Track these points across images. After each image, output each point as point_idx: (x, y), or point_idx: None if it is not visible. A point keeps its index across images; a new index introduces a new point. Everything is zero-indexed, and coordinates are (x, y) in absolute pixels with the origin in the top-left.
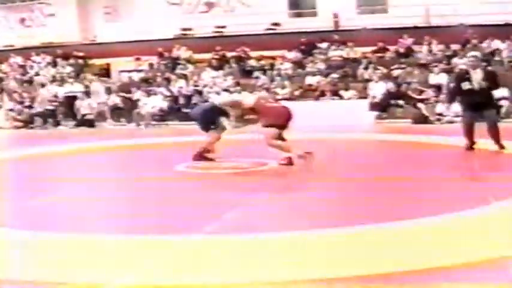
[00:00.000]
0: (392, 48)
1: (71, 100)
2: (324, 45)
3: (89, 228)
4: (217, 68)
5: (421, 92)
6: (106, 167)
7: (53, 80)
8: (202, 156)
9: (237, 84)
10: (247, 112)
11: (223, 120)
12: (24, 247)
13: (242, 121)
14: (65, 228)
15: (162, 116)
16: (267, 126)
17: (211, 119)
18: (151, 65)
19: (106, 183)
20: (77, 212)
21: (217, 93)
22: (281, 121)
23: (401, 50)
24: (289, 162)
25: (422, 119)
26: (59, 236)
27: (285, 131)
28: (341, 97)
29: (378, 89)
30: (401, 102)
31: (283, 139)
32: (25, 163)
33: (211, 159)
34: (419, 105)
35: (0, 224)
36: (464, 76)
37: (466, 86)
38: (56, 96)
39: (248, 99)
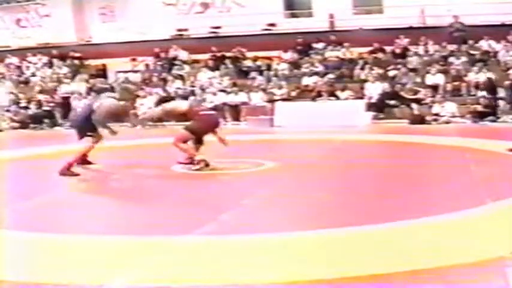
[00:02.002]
0: (388, 48)
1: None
2: (320, 45)
3: (86, 229)
4: (213, 69)
5: (415, 92)
6: (100, 167)
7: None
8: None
9: (234, 84)
10: (178, 117)
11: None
12: (23, 248)
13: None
14: (62, 229)
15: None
16: (187, 130)
17: (89, 126)
18: (147, 65)
19: (103, 184)
20: (75, 212)
21: (214, 93)
22: (205, 130)
23: (398, 51)
24: (191, 162)
25: (419, 120)
26: (57, 237)
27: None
28: (337, 97)
29: (374, 90)
30: (397, 102)
31: (201, 142)
32: (22, 164)
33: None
34: (414, 105)
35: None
36: None
37: None
38: (52, 96)
39: (181, 105)
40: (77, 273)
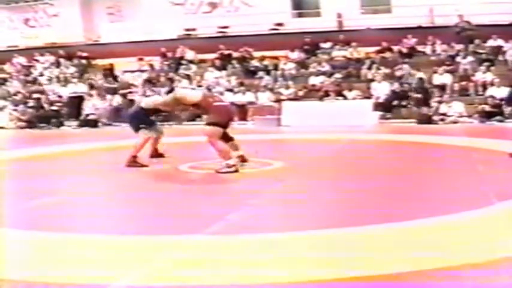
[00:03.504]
0: (396, 48)
1: (75, 100)
2: (328, 45)
3: (92, 228)
4: (220, 68)
5: (424, 94)
6: (108, 167)
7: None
8: (135, 161)
9: (241, 84)
10: (189, 108)
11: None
12: (25, 247)
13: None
14: (67, 228)
15: (166, 117)
16: (211, 124)
17: (139, 120)
18: (151, 65)
19: (109, 183)
20: (80, 212)
21: (221, 93)
22: (226, 120)
23: (405, 50)
24: (236, 170)
25: (426, 120)
26: (61, 236)
27: (228, 128)
28: (345, 97)
29: (381, 89)
30: (405, 102)
31: (230, 138)
32: (28, 163)
33: (144, 165)
34: (423, 106)
35: (2, 224)
36: None
37: None
38: (59, 96)
39: (194, 94)
40: (84, 272)
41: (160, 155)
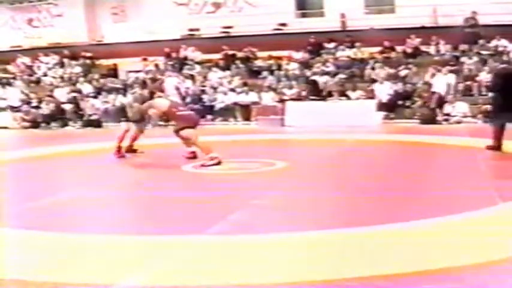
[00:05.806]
0: (399, 48)
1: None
2: (332, 45)
3: (96, 228)
4: (224, 68)
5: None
6: (112, 167)
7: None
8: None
9: (245, 84)
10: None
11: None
12: (33, 247)
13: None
14: (69, 228)
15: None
16: (183, 129)
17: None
18: (156, 65)
19: (112, 184)
20: (81, 212)
21: (225, 93)
22: (192, 123)
23: (409, 50)
24: (219, 161)
25: (430, 120)
26: (68, 236)
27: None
28: (348, 97)
29: (383, 90)
30: (408, 102)
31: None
32: (29, 163)
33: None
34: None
35: (2, 224)
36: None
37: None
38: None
39: (162, 103)
40: (88, 272)
41: (134, 151)
